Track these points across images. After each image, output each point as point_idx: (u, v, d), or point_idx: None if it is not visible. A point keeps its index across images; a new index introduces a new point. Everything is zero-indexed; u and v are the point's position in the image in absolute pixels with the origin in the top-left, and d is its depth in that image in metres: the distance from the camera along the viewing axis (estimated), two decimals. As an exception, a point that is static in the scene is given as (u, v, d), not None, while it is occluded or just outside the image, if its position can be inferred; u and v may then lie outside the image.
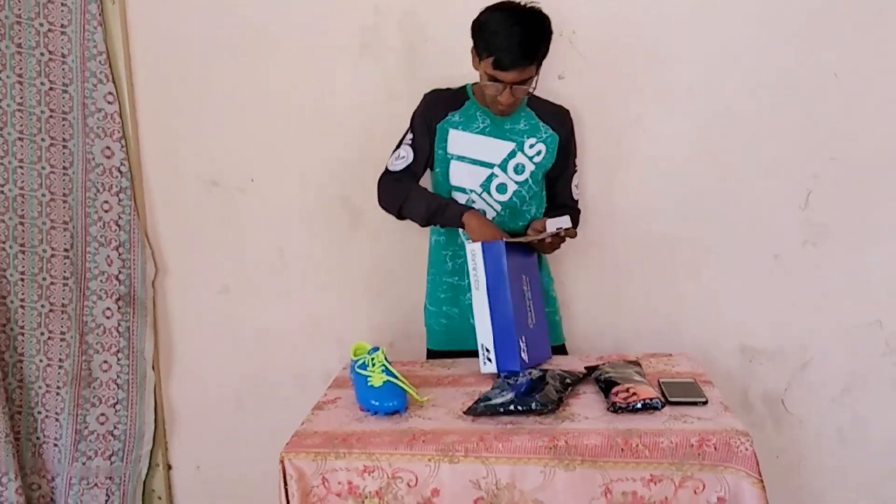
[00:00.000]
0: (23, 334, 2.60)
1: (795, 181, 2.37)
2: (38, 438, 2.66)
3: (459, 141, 2.15)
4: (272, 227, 2.60)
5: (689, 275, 2.46)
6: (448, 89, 2.21)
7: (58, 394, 2.62)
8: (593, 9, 2.34)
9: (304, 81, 2.49)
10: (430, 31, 2.39)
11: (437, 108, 2.17)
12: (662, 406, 1.72)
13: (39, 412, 2.64)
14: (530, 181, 2.16)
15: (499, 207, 2.16)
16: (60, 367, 2.61)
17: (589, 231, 2.40)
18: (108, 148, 2.55)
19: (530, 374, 1.85)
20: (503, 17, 1.96)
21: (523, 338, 1.97)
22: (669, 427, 1.64)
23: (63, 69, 2.51)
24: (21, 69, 2.48)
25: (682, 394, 1.79)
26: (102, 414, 2.66)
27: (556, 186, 2.26)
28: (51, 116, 2.52)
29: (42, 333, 2.60)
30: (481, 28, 1.98)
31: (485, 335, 1.96)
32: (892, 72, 2.29)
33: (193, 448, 2.78)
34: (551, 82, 2.36)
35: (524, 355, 1.96)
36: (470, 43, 2.03)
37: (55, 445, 2.66)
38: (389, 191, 2.17)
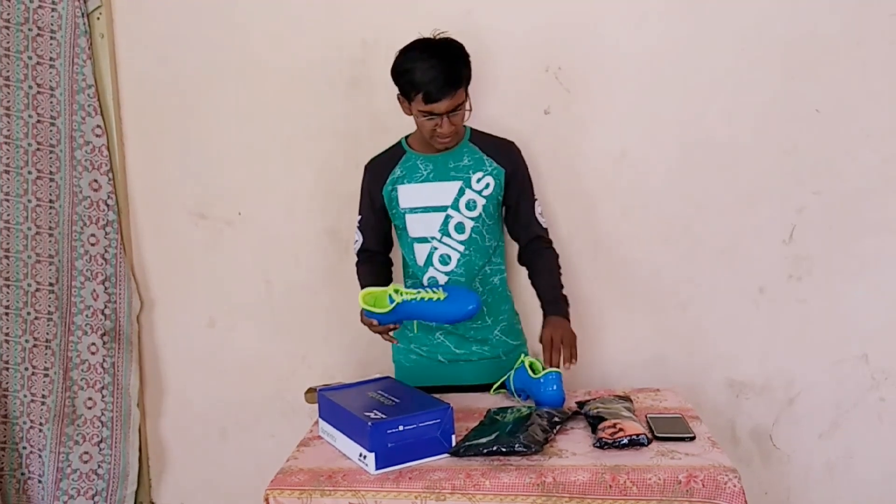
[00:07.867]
0: (7, 369, 2.57)
1: (780, 215, 2.39)
2: (22, 474, 2.63)
3: (408, 194, 2.16)
4: (259, 260, 2.60)
5: (674, 308, 2.46)
6: (384, 151, 2.22)
7: (40, 430, 2.59)
8: (577, 44, 2.37)
9: (292, 114, 2.51)
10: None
11: (377, 174, 2.20)
12: (649, 442, 1.71)
13: (24, 447, 2.61)
14: (483, 215, 2.14)
15: (461, 248, 2.15)
16: (43, 403, 2.58)
17: (571, 263, 2.40)
18: (95, 181, 2.54)
19: (518, 411, 1.84)
20: (418, 53, 2.00)
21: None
22: (657, 463, 1.64)
23: (51, 102, 2.51)
24: (9, 102, 2.48)
25: (669, 429, 1.79)
26: (86, 452, 2.63)
27: (520, 216, 2.21)
28: (38, 149, 2.52)
29: (26, 369, 2.58)
30: (401, 70, 2.01)
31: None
32: (872, 105, 2.32)
33: (178, 486, 2.74)
34: (538, 117, 2.39)
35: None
36: None
37: (39, 482, 2.63)
38: (357, 277, 2.26)
